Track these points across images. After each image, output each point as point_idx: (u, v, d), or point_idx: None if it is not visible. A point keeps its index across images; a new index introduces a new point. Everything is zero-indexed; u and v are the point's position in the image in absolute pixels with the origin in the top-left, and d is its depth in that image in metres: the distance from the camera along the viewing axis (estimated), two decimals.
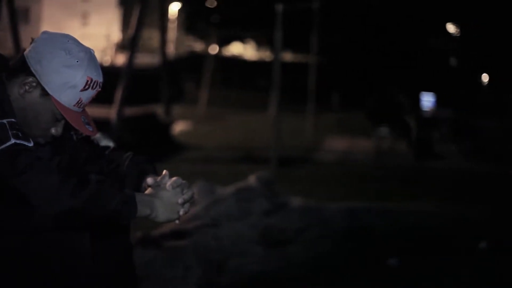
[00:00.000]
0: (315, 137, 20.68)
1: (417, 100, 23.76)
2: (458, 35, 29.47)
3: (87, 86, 2.34)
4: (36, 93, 2.33)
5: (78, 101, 2.35)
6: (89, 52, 2.38)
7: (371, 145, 19.24)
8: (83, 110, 2.41)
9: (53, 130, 2.37)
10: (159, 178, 2.35)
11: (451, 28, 29.45)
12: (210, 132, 21.34)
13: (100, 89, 2.40)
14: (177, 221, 2.37)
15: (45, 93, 2.33)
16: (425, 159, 17.09)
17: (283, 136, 16.17)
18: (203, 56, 33.28)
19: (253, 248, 7.10)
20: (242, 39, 37.29)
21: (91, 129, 2.39)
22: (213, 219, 7.32)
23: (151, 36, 32.32)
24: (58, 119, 2.36)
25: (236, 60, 38.48)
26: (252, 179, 8.27)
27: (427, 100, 23.99)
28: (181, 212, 2.34)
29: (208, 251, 6.81)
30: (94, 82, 2.36)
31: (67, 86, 2.32)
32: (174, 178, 2.35)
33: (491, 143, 18.17)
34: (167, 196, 2.31)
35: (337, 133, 21.92)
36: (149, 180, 2.35)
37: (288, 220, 7.75)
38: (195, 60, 34.20)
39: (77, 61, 2.33)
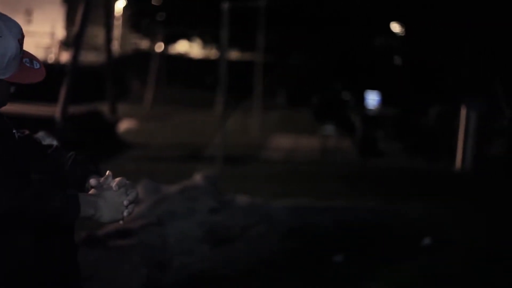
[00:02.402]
0: (261, 135, 20.73)
1: (362, 99, 23.96)
2: (403, 34, 29.79)
3: (20, 45, 2.32)
4: None
5: (20, 56, 2.33)
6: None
7: (316, 143, 19.36)
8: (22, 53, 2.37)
9: None
10: (102, 179, 2.33)
11: (395, 27, 29.76)
12: (156, 131, 21.24)
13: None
14: (121, 222, 2.35)
15: None
16: (369, 157, 17.26)
17: (229, 134, 16.18)
18: (149, 54, 33.09)
19: (199, 246, 7.11)
20: (188, 37, 37.15)
21: (38, 66, 2.37)
22: (158, 218, 7.30)
23: (96, 33, 32.02)
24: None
25: (182, 58, 38.34)
26: (197, 178, 8.27)
27: (372, 99, 24.21)
28: (125, 213, 2.32)
29: (154, 250, 6.79)
30: (22, 35, 2.33)
31: (11, 59, 2.30)
32: (118, 178, 2.34)
33: (434, 141, 18.42)
34: (111, 196, 2.29)
35: (283, 131, 22.00)
36: (92, 181, 2.33)
37: (233, 218, 7.77)
38: (141, 58, 33.99)
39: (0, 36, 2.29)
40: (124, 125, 21.63)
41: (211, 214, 7.66)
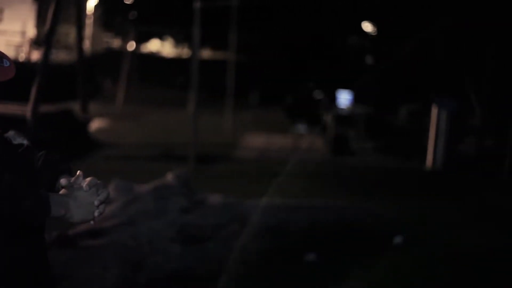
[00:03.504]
0: (233, 134, 20.73)
1: (334, 98, 24.05)
2: (374, 33, 29.95)
3: None
4: None
5: None
6: None
7: (289, 141, 19.40)
8: None
9: None
10: (73, 179, 2.31)
11: (367, 26, 29.90)
12: (128, 130, 21.16)
13: None
14: (92, 222, 2.34)
15: None
16: (341, 155, 17.32)
17: (201, 134, 16.16)
18: (121, 53, 32.96)
19: (171, 245, 7.09)
20: (160, 36, 37.06)
21: (8, 64, 2.35)
22: (130, 218, 7.27)
23: (68, 32, 31.81)
24: None
25: (154, 57, 38.22)
26: (169, 177, 8.25)
27: (344, 98, 24.31)
28: (96, 213, 2.30)
29: (126, 249, 6.77)
30: None
31: None
32: (89, 178, 2.32)
33: (405, 139, 18.53)
34: (82, 196, 2.27)
35: (255, 130, 22.01)
36: (63, 180, 2.30)
37: (205, 217, 7.76)
38: (113, 57, 33.83)
39: None
40: (96, 124, 21.53)
41: (183, 214, 7.65)
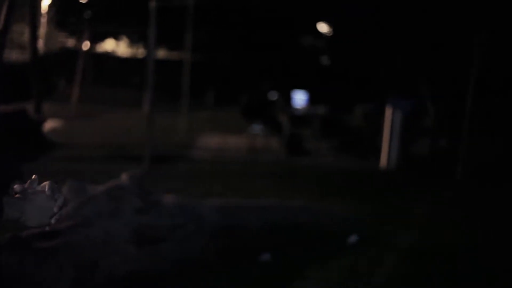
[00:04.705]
0: (189, 134, 20.68)
1: (289, 98, 24.13)
2: (330, 34, 30.11)
3: None
4: None
5: None
6: None
7: (245, 142, 19.43)
8: None
9: None
10: (27, 184, 2.30)
11: (322, 27, 30.05)
12: (83, 130, 21.00)
13: None
14: (47, 228, 2.32)
15: None
16: (297, 155, 17.39)
17: (157, 134, 16.10)
18: (75, 52, 32.68)
19: (126, 247, 7.06)
20: (115, 35, 36.82)
21: None
22: (84, 219, 7.22)
23: (21, 31, 31.47)
24: None
25: (109, 57, 37.97)
26: (124, 177, 8.21)
27: (300, 98, 24.40)
28: (53, 220, 2.29)
29: (80, 251, 6.72)
30: None
31: None
32: (47, 182, 2.30)
33: (360, 140, 18.67)
34: (38, 200, 2.26)
35: (211, 131, 21.99)
36: (17, 187, 2.28)
37: (161, 217, 7.74)
38: (67, 57, 33.54)
39: None
40: (50, 125, 21.33)
41: (138, 214, 7.61)
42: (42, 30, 33.01)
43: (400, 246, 8.57)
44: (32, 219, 2.24)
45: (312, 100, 24.08)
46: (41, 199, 2.25)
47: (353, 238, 8.52)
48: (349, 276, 7.28)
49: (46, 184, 2.28)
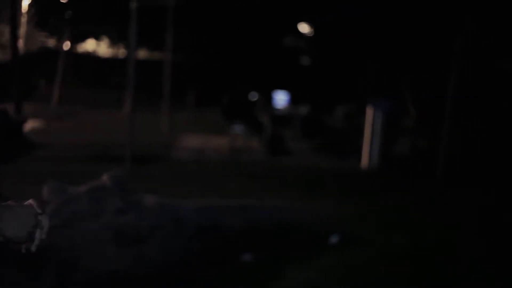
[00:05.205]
0: (170, 135, 20.65)
1: (270, 98, 24.16)
2: (311, 35, 30.17)
3: None
4: None
5: None
6: None
7: (226, 142, 19.42)
8: None
9: None
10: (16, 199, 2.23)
11: (304, 28, 30.10)
12: (63, 131, 20.92)
13: None
14: (23, 249, 2.24)
15: None
16: (278, 156, 17.42)
17: (138, 134, 16.07)
18: (56, 52, 32.54)
19: (107, 247, 7.05)
20: (96, 35, 36.69)
21: None
22: (65, 219, 7.21)
23: (2, 31, 31.30)
24: None
25: (90, 57, 37.83)
26: (105, 178, 8.19)
27: (281, 99, 24.44)
28: (34, 244, 2.23)
29: (61, 251, 6.71)
30: None
31: None
32: (31, 201, 2.24)
33: (341, 140, 18.72)
34: (19, 211, 2.20)
35: (192, 131, 21.97)
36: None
37: (141, 218, 7.73)
38: (48, 57, 33.38)
39: None
40: (31, 125, 21.24)
41: (119, 215, 7.61)
42: (23, 30, 32.85)
43: (381, 245, 8.60)
44: (9, 228, 2.20)
45: (293, 101, 24.12)
46: (22, 211, 2.21)
47: (334, 238, 8.55)
48: (330, 276, 7.31)
49: (31, 202, 2.23)
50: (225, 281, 7.01)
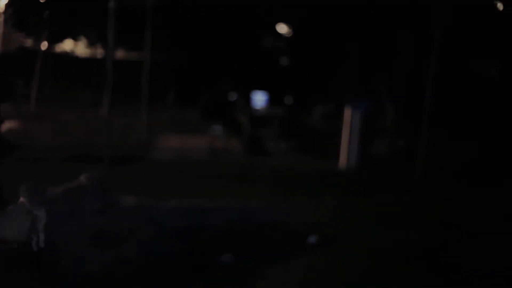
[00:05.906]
0: (149, 135, 20.59)
1: (249, 99, 24.15)
2: (289, 35, 30.21)
3: None
4: None
5: None
6: None
7: (205, 143, 19.39)
8: None
9: None
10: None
11: (281, 28, 30.14)
12: (41, 131, 20.81)
13: None
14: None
15: None
16: (257, 156, 17.42)
17: (116, 135, 16.01)
18: (33, 52, 32.36)
19: (85, 248, 7.03)
20: (74, 35, 36.54)
21: None
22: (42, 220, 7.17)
23: None
24: None
25: (68, 57, 37.65)
26: (83, 179, 8.16)
27: (259, 99, 24.44)
28: (32, 239, 2.23)
29: (39, 253, 6.67)
30: None
31: None
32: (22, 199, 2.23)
33: (320, 140, 18.75)
34: (16, 213, 2.21)
35: (171, 131, 21.91)
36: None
37: (120, 219, 7.71)
38: (26, 57, 33.19)
39: None
40: (8, 126, 21.10)
41: (97, 216, 7.58)
42: (1, 30, 32.64)
43: (359, 245, 8.63)
44: (7, 230, 2.20)
45: (271, 101, 24.13)
46: (19, 214, 2.20)
47: (312, 238, 8.57)
48: (308, 276, 7.33)
49: (22, 199, 2.23)
50: (204, 282, 7.01)
